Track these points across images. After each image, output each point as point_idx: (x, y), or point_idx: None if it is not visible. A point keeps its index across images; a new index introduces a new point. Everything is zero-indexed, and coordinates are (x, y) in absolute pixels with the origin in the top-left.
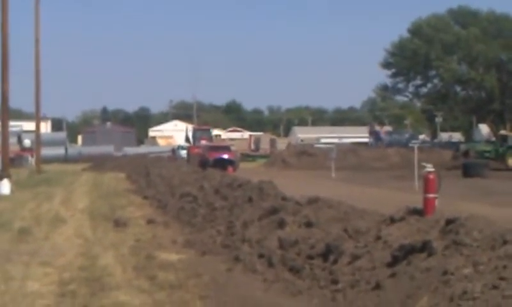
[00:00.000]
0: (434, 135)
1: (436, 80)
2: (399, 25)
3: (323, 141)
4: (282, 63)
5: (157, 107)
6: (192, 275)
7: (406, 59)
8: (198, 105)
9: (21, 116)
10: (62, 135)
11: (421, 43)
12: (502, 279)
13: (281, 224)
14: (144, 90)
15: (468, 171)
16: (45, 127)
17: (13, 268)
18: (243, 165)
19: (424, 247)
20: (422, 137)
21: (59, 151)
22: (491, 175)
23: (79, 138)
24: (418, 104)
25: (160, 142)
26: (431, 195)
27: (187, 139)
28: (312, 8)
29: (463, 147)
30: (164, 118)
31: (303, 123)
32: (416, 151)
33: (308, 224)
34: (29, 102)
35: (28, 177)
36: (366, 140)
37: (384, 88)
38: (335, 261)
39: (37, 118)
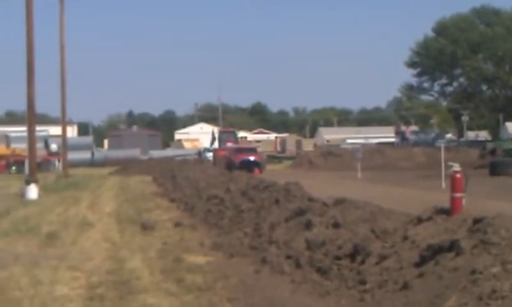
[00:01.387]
0: (460, 134)
1: (461, 79)
2: (423, 25)
3: (349, 141)
4: (307, 64)
5: (183, 110)
6: (220, 278)
7: (432, 58)
8: (224, 108)
9: (47, 120)
10: (88, 139)
11: (446, 42)
12: None
13: (308, 225)
14: (170, 93)
15: (495, 170)
16: (72, 132)
17: (42, 273)
18: (269, 167)
19: (452, 247)
20: (448, 136)
21: (86, 155)
22: None
23: (105, 142)
24: (444, 103)
25: (186, 145)
26: (458, 194)
27: (212, 142)
28: (337, 9)
29: (489, 145)
30: (189, 121)
31: (328, 124)
32: (442, 150)
33: (335, 225)
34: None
35: (55, 181)
36: (392, 140)
37: (410, 87)
38: (363, 262)
39: (63, 122)
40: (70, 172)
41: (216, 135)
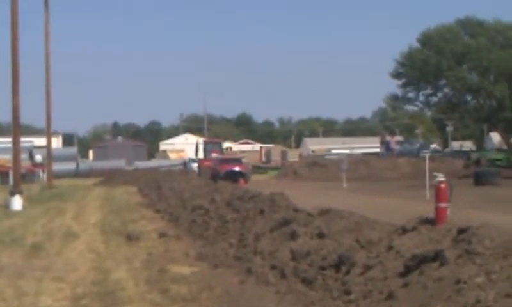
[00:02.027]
0: (445, 144)
1: (446, 90)
2: (408, 35)
3: (334, 151)
4: (292, 75)
5: (168, 121)
6: (205, 288)
7: (416, 69)
8: (209, 118)
9: (32, 131)
10: (73, 150)
11: (431, 53)
12: None
13: (293, 236)
14: (155, 104)
15: (479, 180)
16: (56, 142)
17: (26, 284)
18: (254, 177)
19: (436, 257)
20: (433, 146)
21: (71, 166)
22: (503, 183)
23: (90, 153)
24: (428, 113)
25: (172, 155)
26: (443, 204)
27: (196, 152)
28: (321, 19)
29: (474, 156)
30: (175, 132)
31: (313, 134)
32: (427, 160)
33: (320, 235)
34: (40, 117)
35: (40, 192)
36: (377, 150)
37: (395, 98)
38: (348, 272)
39: (48, 133)
40: (54, 183)
41: (200, 146)
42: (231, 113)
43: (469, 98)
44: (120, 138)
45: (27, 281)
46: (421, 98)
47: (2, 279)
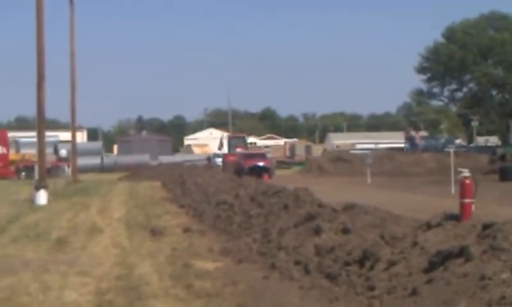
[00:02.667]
0: (470, 139)
1: (471, 85)
2: (433, 30)
3: (358, 146)
4: (317, 70)
5: (192, 116)
6: (229, 284)
7: (441, 64)
8: (233, 113)
9: (57, 126)
10: (98, 144)
11: (456, 48)
12: None
13: (318, 231)
14: (180, 98)
15: (505, 175)
16: (81, 137)
17: (51, 278)
18: (278, 172)
19: (461, 253)
20: (458, 141)
21: (95, 160)
22: None
23: (115, 147)
24: (453, 108)
25: (196, 150)
26: (468, 200)
27: (220, 147)
28: (347, 14)
29: (499, 151)
30: (199, 126)
31: (338, 129)
32: (452, 155)
33: (345, 231)
34: (65, 112)
35: (64, 187)
36: (401, 145)
37: (420, 93)
38: (372, 268)
39: (73, 127)
40: (79, 177)
41: (224, 142)
42: (255, 108)
43: (494, 92)
44: (144, 133)
45: (52, 276)
46: (446, 93)
47: (27, 274)
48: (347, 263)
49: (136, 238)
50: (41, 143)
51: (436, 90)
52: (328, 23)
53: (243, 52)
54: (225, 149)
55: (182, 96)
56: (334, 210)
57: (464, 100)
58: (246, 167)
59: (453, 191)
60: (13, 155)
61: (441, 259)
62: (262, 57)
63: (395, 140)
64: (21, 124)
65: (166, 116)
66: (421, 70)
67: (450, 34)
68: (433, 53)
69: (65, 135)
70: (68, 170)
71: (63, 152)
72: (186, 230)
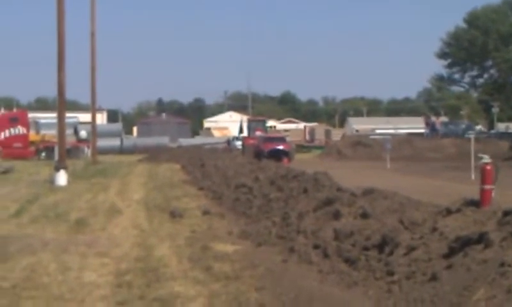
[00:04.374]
0: (490, 125)
1: (492, 71)
2: (455, 15)
3: (378, 131)
4: (337, 54)
5: (212, 98)
6: (248, 267)
7: (463, 50)
8: (253, 96)
9: (77, 107)
10: (117, 126)
11: (478, 34)
12: None
13: (337, 215)
14: (200, 81)
15: None
16: (101, 119)
17: (70, 259)
18: (298, 156)
19: (481, 239)
20: (478, 127)
21: (115, 142)
22: None
23: (134, 129)
24: (474, 94)
25: (215, 133)
26: (488, 186)
27: (240, 131)
28: None
29: None
30: (219, 109)
31: (358, 113)
32: (472, 141)
33: (364, 215)
34: (85, 93)
35: (84, 168)
36: (421, 131)
37: (440, 78)
38: (391, 253)
39: (93, 109)
40: (99, 159)
41: (244, 125)
42: (275, 91)
43: None
44: (164, 115)
45: (71, 256)
46: (467, 78)
47: (46, 254)
48: (366, 248)
49: (155, 220)
50: (61, 124)
51: (456, 76)
52: (350, 8)
53: (263, 35)
54: (245, 133)
55: (202, 78)
56: (353, 194)
57: (485, 86)
58: (265, 151)
59: (473, 177)
60: (33, 136)
61: (461, 245)
62: (282, 40)
63: (415, 125)
64: (41, 105)
65: (186, 98)
66: (442, 55)
67: (472, 20)
68: (454, 38)
69: (85, 117)
70: (87, 151)
71: (83, 133)
72: (205, 213)
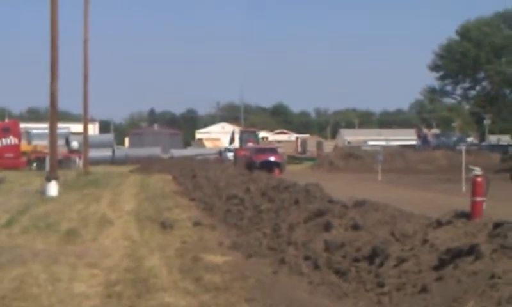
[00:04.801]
0: (482, 137)
1: (484, 83)
2: (447, 28)
3: (370, 143)
4: (329, 66)
5: (205, 109)
6: (238, 278)
7: (455, 62)
8: (245, 108)
9: (69, 118)
10: (109, 137)
11: (470, 46)
12: None
13: (328, 227)
14: (192, 92)
15: None
16: (93, 129)
17: (60, 270)
18: (290, 167)
19: (471, 251)
20: (470, 139)
21: (107, 153)
22: None
23: (126, 140)
24: (466, 107)
25: (207, 144)
26: (479, 198)
27: (231, 141)
28: (360, 10)
29: (511, 150)
30: (211, 120)
31: (349, 125)
32: (463, 153)
33: (355, 227)
34: (77, 104)
35: (75, 179)
36: (413, 142)
37: (432, 90)
38: (381, 264)
39: (85, 119)
40: (90, 169)
41: (236, 135)
42: (267, 103)
43: (507, 91)
44: (156, 126)
45: (61, 267)
46: (459, 91)
47: (36, 265)
48: (356, 260)
49: (146, 231)
50: (53, 135)
51: (448, 88)
52: (341, 19)
53: (256, 47)
54: (236, 144)
55: (195, 89)
56: (344, 206)
57: (477, 98)
58: (257, 162)
59: (464, 189)
60: (24, 146)
61: (451, 257)
62: (275, 52)
63: (406, 137)
64: (33, 115)
65: (178, 109)
66: (434, 67)
67: (465, 32)
68: (447, 50)
69: (77, 127)
70: (79, 162)
71: (75, 144)
72: (196, 224)
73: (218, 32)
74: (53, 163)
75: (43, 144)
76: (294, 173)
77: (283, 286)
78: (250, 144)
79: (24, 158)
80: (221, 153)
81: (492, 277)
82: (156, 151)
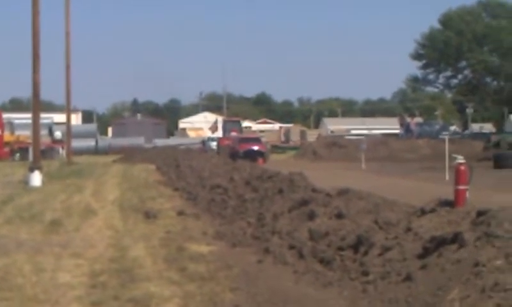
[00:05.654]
0: (465, 126)
1: (466, 72)
2: (429, 17)
3: (353, 132)
4: (312, 54)
5: (188, 99)
6: (223, 267)
7: (437, 51)
8: (228, 97)
9: (52, 108)
10: (92, 127)
11: (452, 35)
12: None
13: (312, 216)
14: (175, 82)
15: (499, 162)
16: (76, 119)
17: (45, 260)
18: (273, 156)
19: (455, 239)
20: (452, 128)
21: (90, 143)
22: None
23: (109, 130)
24: (449, 95)
25: (190, 134)
26: (462, 186)
27: (214, 129)
28: None
29: (494, 138)
30: (194, 110)
31: (333, 114)
32: (447, 142)
33: (339, 216)
34: (60, 94)
35: (59, 169)
36: (396, 131)
37: (415, 79)
38: (366, 253)
39: (68, 110)
40: (73, 159)
41: (219, 124)
42: (250, 92)
43: (489, 80)
44: (139, 116)
45: (45, 257)
46: (441, 79)
47: (21, 255)
48: (341, 248)
49: (129, 220)
50: (36, 125)
51: (431, 77)
52: (324, 8)
53: (239, 36)
54: (219, 133)
55: (178, 79)
56: (328, 195)
57: (460, 86)
58: (240, 151)
59: (447, 177)
60: (7, 137)
61: (435, 245)
62: (258, 41)
63: (390, 126)
64: (15, 105)
65: (161, 99)
66: (416, 56)
67: (447, 21)
68: (429, 39)
69: (60, 117)
70: (62, 152)
71: (58, 134)
72: (180, 213)
73: (201, 22)
74: (36, 153)
75: (26, 134)
76: (278, 162)
77: (268, 276)
78: (233, 134)
79: (6, 149)
80: (204, 142)
81: (476, 265)
82: (139, 141)
